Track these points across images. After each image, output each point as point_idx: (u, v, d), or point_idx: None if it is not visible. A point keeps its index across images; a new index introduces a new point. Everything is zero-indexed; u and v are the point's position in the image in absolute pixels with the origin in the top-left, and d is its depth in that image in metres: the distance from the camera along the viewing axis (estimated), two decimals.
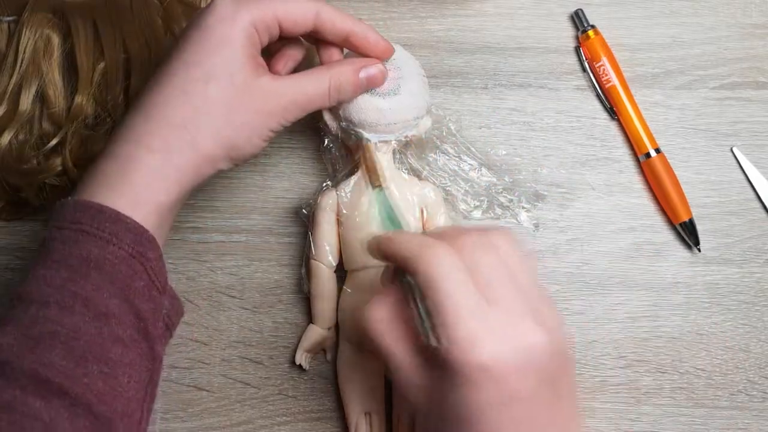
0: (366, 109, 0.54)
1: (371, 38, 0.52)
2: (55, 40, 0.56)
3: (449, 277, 0.41)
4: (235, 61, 0.47)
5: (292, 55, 0.54)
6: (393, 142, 0.56)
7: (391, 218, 0.54)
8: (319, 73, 0.51)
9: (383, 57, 0.53)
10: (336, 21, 0.51)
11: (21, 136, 0.55)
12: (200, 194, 0.60)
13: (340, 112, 0.55)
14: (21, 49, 0.55)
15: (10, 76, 0.55)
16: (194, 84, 0.47)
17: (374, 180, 0.54)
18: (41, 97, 0.56)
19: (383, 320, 0.44)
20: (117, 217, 0.45)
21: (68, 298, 0.43)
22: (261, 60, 0.50)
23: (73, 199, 0.46)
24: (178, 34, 0.57)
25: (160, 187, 0.46)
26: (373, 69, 0.52)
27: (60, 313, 0.43)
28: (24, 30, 0.55)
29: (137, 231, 0.46)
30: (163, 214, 0.47)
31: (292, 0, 0.49)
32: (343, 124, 0.55)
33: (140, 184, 0.46)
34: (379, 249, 0.45)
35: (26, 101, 0.55)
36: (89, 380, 0.43)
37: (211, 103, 0.47)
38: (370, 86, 0.53)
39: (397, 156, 0.57)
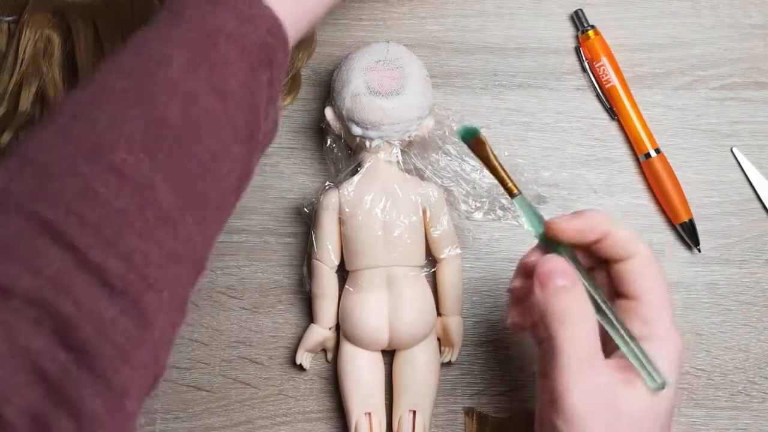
0: (369, 108, 0.54)
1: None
2: (55, 40, 0.56)
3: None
4: None
5: None
6: (396, 142, 0.56)
7: (539, 218, 0.47)
8: None
9: None
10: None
11: (21, 136, 0.56)
12: None
13: (343, 111, 0.55)
14: (21, 49, 0.55)
15: (10, 76, 0.55)
16: None
17: (509, 186, 0.48)
18: (41, 97, 0.56)
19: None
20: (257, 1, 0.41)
21: (195, 58, 0.39)
22: None
23: None
24: None
25: None
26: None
27: (183, 73, 0.38)
28: (24, 30, 0.55)
29: (273, 22, 0.41)
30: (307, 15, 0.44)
31: None
32: (346, 123, 0.55)
33: None
34: (583, 221, 0.45)
35: (26, 101, 0.55)
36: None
37: None
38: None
39: (400, 156, 0.57)
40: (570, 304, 0.43)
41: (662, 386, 0.42)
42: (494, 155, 0.48)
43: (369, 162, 0.56)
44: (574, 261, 0.45)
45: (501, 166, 0.48)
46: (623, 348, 0.43)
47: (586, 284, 0.44)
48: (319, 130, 0.60)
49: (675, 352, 0.44)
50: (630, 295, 0.45)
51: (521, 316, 0.48)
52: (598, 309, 0.44)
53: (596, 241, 0.45)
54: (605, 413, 0.41)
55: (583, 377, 0.41)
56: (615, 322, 0.43)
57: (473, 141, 0.48)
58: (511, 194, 0.48)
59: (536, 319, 0.45)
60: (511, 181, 0.48)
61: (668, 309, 0.45)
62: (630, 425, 0.42)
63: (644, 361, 0.42)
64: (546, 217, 0.46)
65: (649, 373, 0.42)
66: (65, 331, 0.33)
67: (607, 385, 0.42)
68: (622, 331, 0.43)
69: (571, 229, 0.45)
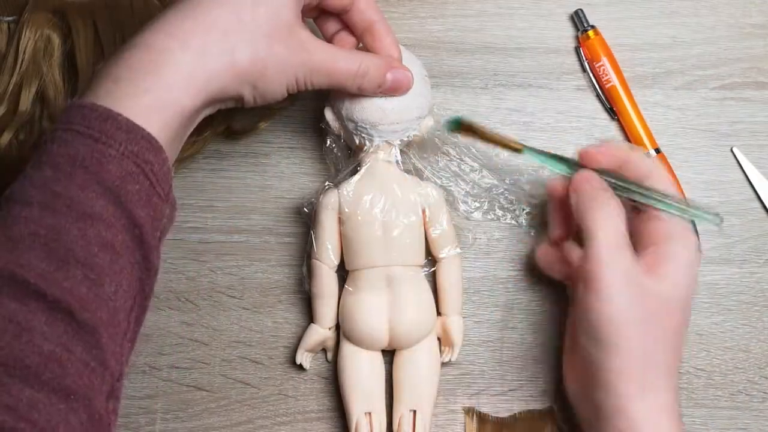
0: (369, 108, 0.54)
1: (387, 40, 0.54)
2: (55, 40, 0.56)
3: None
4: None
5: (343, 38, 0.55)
6: (396, 141, 0.56)
7: (552, 156, 0.55)
8: (353, 54, 0.53)
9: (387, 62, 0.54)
10: (371, 7, 0.53)
11: (21, 136, 0.56)
12: (200, 194, 0.60)
13: (343, 111, 0.55)
14: (21, 49, 0.55)
15: (10, 76, 0.55)
16: (243, 2, 0.47)
17: (512, 146, 0.54)
18: (41, 97, 0.56)
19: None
20: (108, 115, 0.42)
21: (50, 198, 0.41)
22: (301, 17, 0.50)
23: (71, 101, 0.44)
24: None
25: (187, 87, 0.44)
26: (400, 74, 0.54)
27: (41, 213, 0.41)
28: (24, 30, 0.55)
29: (132, 130, 0.43)
30: (184, 121, 0.45)
31: None
32: (346, 123, 0.56)
33: (168, 80, 0.44)
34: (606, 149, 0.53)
35: (26, 101, 0.55)
36: (71, 284, 0.40)
37: (257, 24, 0.47)
38: (390, 91, 0.54)
39: (400, 156, 0.57)
40: (600, 197, 0.50)
41: (720, 219, 0.52)
42: (484, 130, 0.54)
43: (368, 162, 0.56)
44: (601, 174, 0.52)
45: (495, 135, 0.54)
46: (674, 210, 0.51)
47: (618, 182, 0.52)
48: (319, 130, 0.60)
49: (692, 248, 0.51)
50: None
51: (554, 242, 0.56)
52: (636, 196, 0.52)
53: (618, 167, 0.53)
54: (634, 291, 0.48)
55: (614, 259, 0.48)
56: (656, 196, 0.51)
57: (462, 128, 0.54)
58: (519, 151, 0.54)
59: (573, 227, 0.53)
60: (512, 141, 0.54)
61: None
62: (656, 304, 0.49)
63: (694, 209, 0.51)
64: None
65: (705, 213, 0.52)
66: None
67: (635, 268, 0.49)
68: (668, 200, 0.51)
69: (602, 156, 0.53)
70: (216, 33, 0.45)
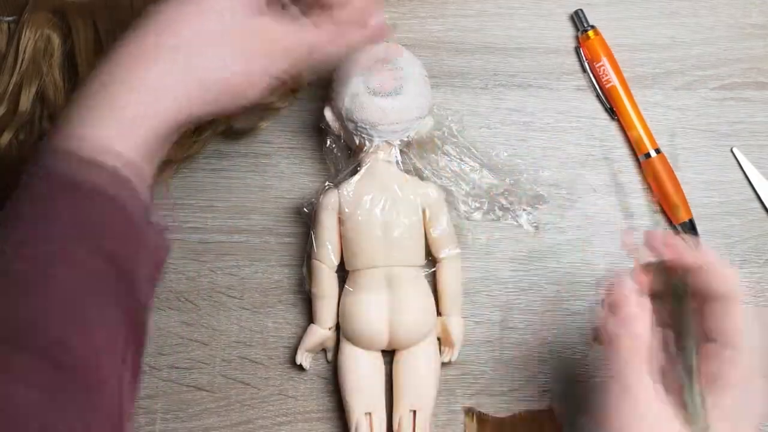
0: (368, 108, 0.54)
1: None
2: (55, 40, 0.56)
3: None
4: None
5: None
6: (396, 141, 0.56)
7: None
8: (319, 27, 0.48)
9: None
10: None
11: (21, 136, 0.56)
12: (200, 194, 0.60)
13: (343, 111, 0.55)
14: (21, 49, 0.55)
15: (10, 76, 0.55)
16: (188, 14, 0.45)
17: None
18: (41, 97, 0.56)
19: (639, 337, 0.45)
20: (75, 154, 0.41)
21: (23, 239, 0.40)
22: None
23: (43, 139, 0.43)
24: None
25: (153, 110, 0.43)
26: (378, 17, 0.49)
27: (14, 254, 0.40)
28: (24, 30, 0.55)
29: (97, 165, 0.41)
30: (152, 144, 0.43)
31: None
32: (346, 123, 0.56)
33: (133, 103, 0.43)
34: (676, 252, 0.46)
35: (26, 101, 0.55)
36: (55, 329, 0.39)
37: (208, 32, 0.44)
38: (376, 37, 0.50)
39: (400, 156, 0.57)
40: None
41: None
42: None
43: (368, 162, 0.56)
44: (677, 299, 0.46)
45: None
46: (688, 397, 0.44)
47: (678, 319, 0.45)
48: (319, 130, 0.60)
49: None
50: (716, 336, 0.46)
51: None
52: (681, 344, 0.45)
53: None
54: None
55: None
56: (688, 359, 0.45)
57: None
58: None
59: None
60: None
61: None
62: None
63: (694, 402, 0.44)
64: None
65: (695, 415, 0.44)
66: None
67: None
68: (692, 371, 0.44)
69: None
70: (168, 51, 0.44)
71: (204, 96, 0.45)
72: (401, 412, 0.56)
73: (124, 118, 0.42)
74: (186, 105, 0.44)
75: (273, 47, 0.46)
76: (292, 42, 0.47)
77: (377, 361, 0.57)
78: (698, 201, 0.60)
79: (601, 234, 0.60)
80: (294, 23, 0.47)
